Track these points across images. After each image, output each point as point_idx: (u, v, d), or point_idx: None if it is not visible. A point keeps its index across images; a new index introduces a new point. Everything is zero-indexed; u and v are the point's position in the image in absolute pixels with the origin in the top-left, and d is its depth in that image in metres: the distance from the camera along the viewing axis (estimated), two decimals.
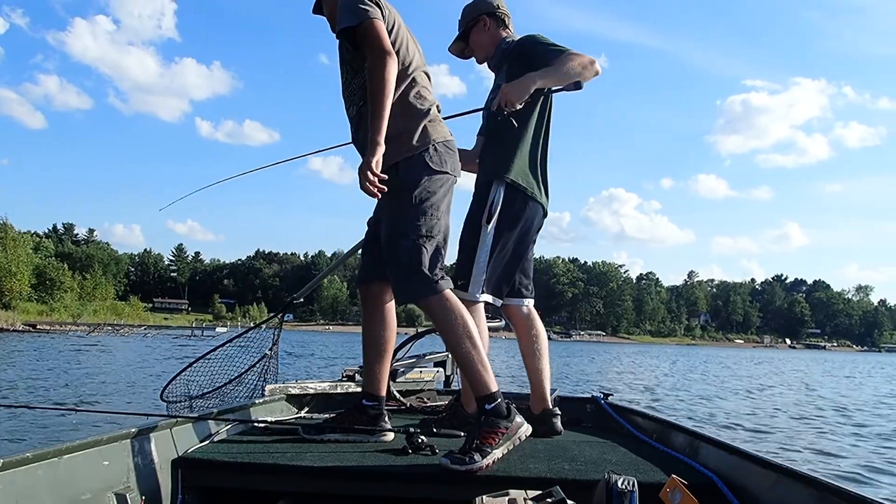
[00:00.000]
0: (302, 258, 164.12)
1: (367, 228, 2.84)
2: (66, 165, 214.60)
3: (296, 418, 3.21)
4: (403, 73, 2.54)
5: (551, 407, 3.06)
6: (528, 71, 2.87)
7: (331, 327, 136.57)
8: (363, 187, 2.36)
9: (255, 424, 2.92)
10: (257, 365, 3.54)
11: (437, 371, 3.95)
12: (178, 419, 2.51)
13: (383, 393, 2.76)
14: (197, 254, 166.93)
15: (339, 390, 3.44)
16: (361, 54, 2.48)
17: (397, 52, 2.50)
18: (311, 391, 3.50)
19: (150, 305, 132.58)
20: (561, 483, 1.92)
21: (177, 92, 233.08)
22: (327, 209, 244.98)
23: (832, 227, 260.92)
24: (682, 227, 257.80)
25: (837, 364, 47.78)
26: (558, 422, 3.03)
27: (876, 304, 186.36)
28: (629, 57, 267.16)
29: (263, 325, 3.75)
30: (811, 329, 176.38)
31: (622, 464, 2.43)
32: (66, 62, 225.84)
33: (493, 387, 2.44)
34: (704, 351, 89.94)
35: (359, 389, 3.31)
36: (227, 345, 3.65)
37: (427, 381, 3.54)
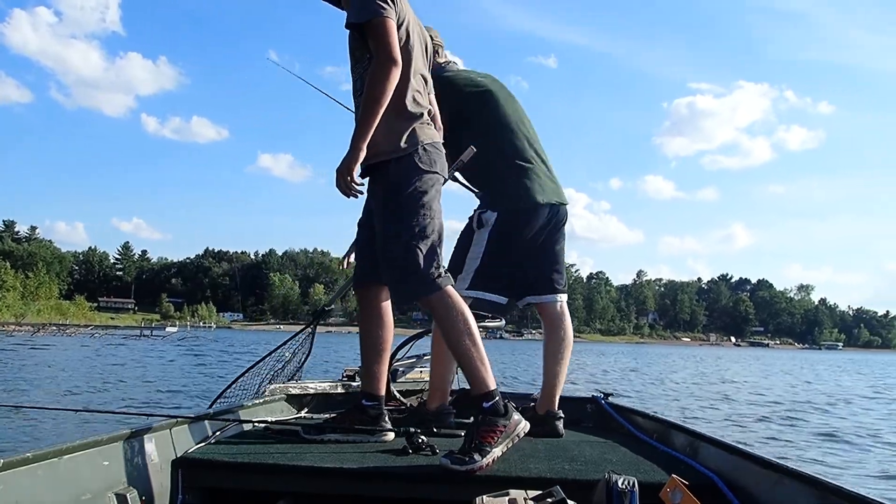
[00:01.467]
0: (252, 257, 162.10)
1: (357, 230, 2.83)
2: (4, 160, 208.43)
3: (296, 418, 3.19)
4: (404, 74, 2.49)
5: (556, 410, 3.10)
6: None
7: (282, 327, 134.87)
8: (340, 188, 2.38)
9: (255, 424, 2.91)
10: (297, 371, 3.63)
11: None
12: (178, 419, 2.50)
13: (383, 393, 2.77)
14: (144, 252, 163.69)
15: (339, 390, 3.43)
16: (366, 46, 2.46)
17: (403, 51, 2.47)
18: (312, 391, 3.50)
19: (96, 305, 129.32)
20: (561, 483, 1.92)
21: (122, 87, 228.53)
22: (278, 207, 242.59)
23: (775, 228, 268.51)
24: (631, 227, 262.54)
25: (770, 362, 49.08)
26: (560, 425, 3.06)
27: (817, 303, 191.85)
28: (578, 59, 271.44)
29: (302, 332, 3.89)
30: (755, 327, 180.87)
31: (622, 464, 2.44)
32: (5, 54, 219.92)
33: (492, 385, 2.43)
34: (653, 349, 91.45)
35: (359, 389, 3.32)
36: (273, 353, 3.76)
37: (427, 381, 3.52)
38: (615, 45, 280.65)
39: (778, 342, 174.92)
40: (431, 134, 2.58)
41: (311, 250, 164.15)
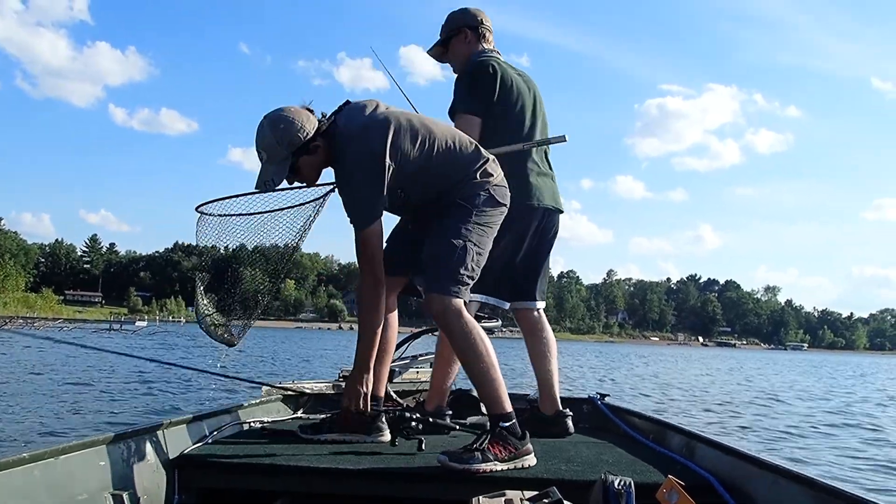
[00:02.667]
0: (223, 251, 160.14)
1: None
2: None
3: (292, 418, 3.20)
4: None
5: (561, 408, 3.11)
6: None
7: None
8: (345, 403, 2.59)
9: (252, 425, 2.91)
10: None
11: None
12: (175, 419, 2.50)
13: (382, 394, 2.77)
14: (112, 245, 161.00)
15: (335, 391, 3.43)
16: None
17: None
18: (308, 391, 3.50)
19: (62, 298, 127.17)
20: (557, 483, 1.94)
21: (90, 77, 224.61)
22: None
23: (743, 230, 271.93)
24: (602, 227, 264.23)
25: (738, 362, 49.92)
26: (570, 422, 3.07)
27: (783, 304, 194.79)
28: (550, 58, 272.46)
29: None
30: (722, 327, 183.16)
31: (619, 464, 2.46)
32: None
33: (509, 407, 2.45)
34: (622, 348, 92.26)
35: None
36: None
37: (424, 382, 3.51)
38: (588, 45, 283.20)
39: (745, 342, 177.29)
40: (501, 178, 2.67)
41: (282, 246, 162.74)
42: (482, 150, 2.67)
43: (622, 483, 1.87)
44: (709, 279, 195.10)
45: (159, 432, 2.34)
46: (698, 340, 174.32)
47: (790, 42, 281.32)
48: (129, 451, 2.15)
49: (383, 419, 2.70)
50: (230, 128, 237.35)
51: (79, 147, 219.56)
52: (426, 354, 3.39)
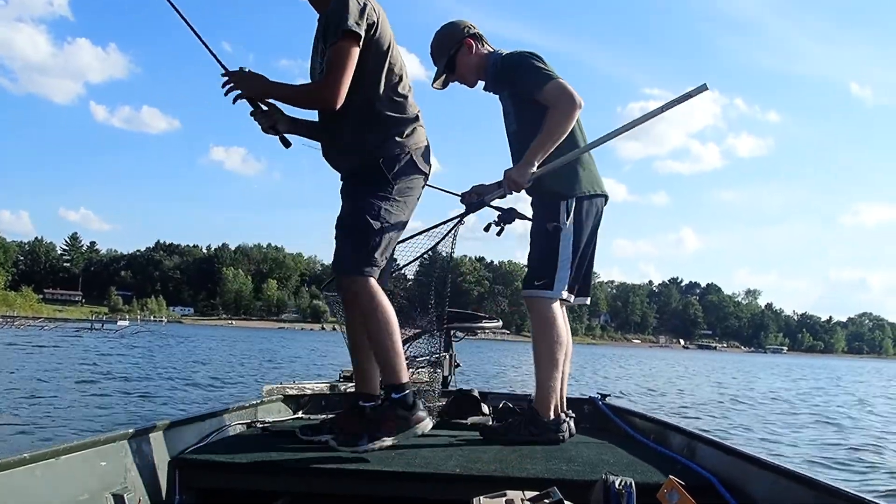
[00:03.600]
0: (204, 251, 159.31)
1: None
2: None
3: (293, 419, 3.19)
4: (394, 76, 2.57)
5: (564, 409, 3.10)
6: (519, 94, 3.02)
7: (234, 322, 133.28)
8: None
9: (253, 425, 2.91)
10: None
11: (435, 371, 3.91)
12: (176, 419, 2.50)
13: (406, 378, 2.64)
14: (93, 243, 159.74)
15: (336, 391, 3.43)
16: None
17: (386, 56, 2.53)
18: (309, 392, 3.50)
19: (41, 297, 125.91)
20: (558, 483, 1.93)
21: (71, 74, 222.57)
22: (231, 201, 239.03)
23: (724, 233, 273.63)
24: None
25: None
26: (572, 424, 3.05)
27: (763, 307, 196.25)
28: None
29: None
30: (703, 330, 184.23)
31: (619, 464, 2.47)
32: None
33: (404, 378, 2.51)
34: (603, 350, 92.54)
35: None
36: None
37: (424, 382, 3.55)
38: (570, 47, 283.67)
39: (725, 345, 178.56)
40: (422, 137, 2.65)
41: (264, 245, 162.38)
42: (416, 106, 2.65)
43: (623, 483, 1.88)
44: (690, 282, 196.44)
45: (160, 432, 2.34)
46: (680, 343, 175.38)
47: (771, 47, 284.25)
48: (130, 451, 2.15)
49: (420, 405, 2.61)
50: (213, 126, 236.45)
51: (59, 144, 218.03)
52: (426, 354, 3.39)
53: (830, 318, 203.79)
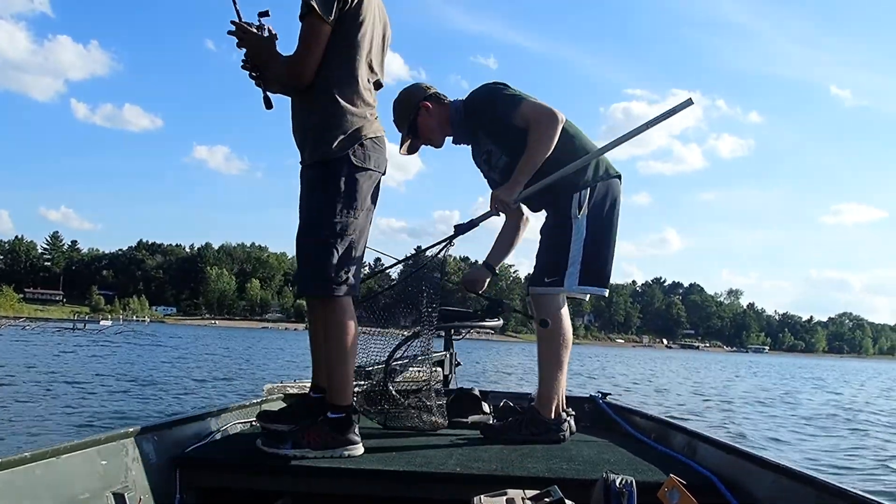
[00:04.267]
0: (188, 250, 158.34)
1: None
2: None
3: None
4: (352, 68, 2.49)
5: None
6: (500, 126, 2.98)
7: (217, 322, 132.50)
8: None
9: (254, 424, 2.89)
10: None
11: (436, 371, 3.90)
12: (177, 418, 2.50)
13: (350, 402, 2.55)
14: (74, 242, 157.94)
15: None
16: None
17: (356, 40, 2.47)
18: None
19: (22, 296, 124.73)
20: (559, 482, 1.92)
21: (51, 71, 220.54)
22: (214, 200, 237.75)
23: (706, 233, 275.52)
24: None
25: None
26: (572, 422, 3.03)
27: (745, 307, 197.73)
28: (517, 60, 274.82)
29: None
30: (686, 330, 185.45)
31: (620, 463, 2.47)
32: None
33: (348, 401, 2.49)
34: (587, 350, 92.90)
35: (357, 389, 3.26)
36: None
37: (425, 381, 3.52)
38: (555, 48, 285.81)
39: (707, 345, 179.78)
40: (375, 128, 2.56)
41: (248, 245, 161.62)
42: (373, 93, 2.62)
43: (623, 482, 1.87)
44: (673, 282, 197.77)
45: (161, 431, 2.33)
46: (663, 342, 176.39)
47: (752, 49, 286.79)
48: (131, 450, 2.14)
49: (356, 430, 2.51)
50: (196, 125, 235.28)
51: (39, 142, 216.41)
52: (426, 354, 3.39)
53: (811, 317, 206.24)
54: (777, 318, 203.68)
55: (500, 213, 2.92)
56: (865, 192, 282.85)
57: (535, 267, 3.05)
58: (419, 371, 3.31)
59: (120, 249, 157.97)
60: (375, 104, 2.61)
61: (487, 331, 3.68)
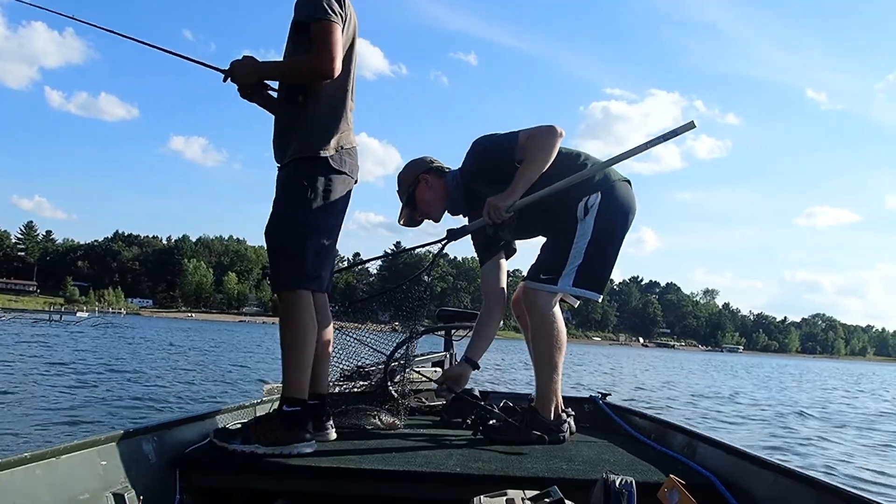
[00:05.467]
0: (165, 242, 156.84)
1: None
2: None
3: None
4: (343, 79, 2.54)
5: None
6: (501, 174, 2.91)
7: (194, 314, 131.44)
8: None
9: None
10: None
11: (435, 371, 3.88)
12: (176, 419, 2.49)
13: (304, 396, 2.53)
14: (48, 233, 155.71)
15: (336, 390, 3.40)
16: (307, 43, 2.46)
17: (346, 58, 2.53)
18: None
19: None
20: (559, 482, 1.91)
21: (25, 58, 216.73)
22: (192, 192, 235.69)
23: (682, 233, 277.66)
24: None
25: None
26: (572, 422, 3.03)
27: (720, 307, 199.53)
28: (498, 57, 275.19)
29: None
30: (662, 329, 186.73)
31: (620, 463, 2.47)
32: None
33: (303, 395, 2.49)
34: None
35: (357, 389, 3.30)
36: None
37: (425, 381, 3.54)
38: (536, 46, 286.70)
39: (683, 344, 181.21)
40: (351, 139, 2.64)
41: (226, 238, 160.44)
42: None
43: (623, 482, 1.89)
44: (650, 281, 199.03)
45: (160, 432, 2.32)
46: (639, 341, 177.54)
47: (731, 51, 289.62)
48: (130, 450, 2.14)
49: (310, 427, 2.51)
50: (172, 115, 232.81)
51: (12, 130, 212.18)
52: (426, 354, 3.41)
53: (785, 318, 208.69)
54: (752, 318, 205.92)
55: (494, 221, 2.87)
56: (839, 195, 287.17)
57: (534, 264, 3.05)
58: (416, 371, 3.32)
59: (95, 240, 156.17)
60: (353, 110, 2.66)
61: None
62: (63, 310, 73.03)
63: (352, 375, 3.30)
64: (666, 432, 2.99)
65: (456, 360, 3.78)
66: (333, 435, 2.76)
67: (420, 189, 3.13)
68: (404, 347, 3.08)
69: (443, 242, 3.06)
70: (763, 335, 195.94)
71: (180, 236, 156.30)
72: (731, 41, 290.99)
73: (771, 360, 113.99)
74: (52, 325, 43.88)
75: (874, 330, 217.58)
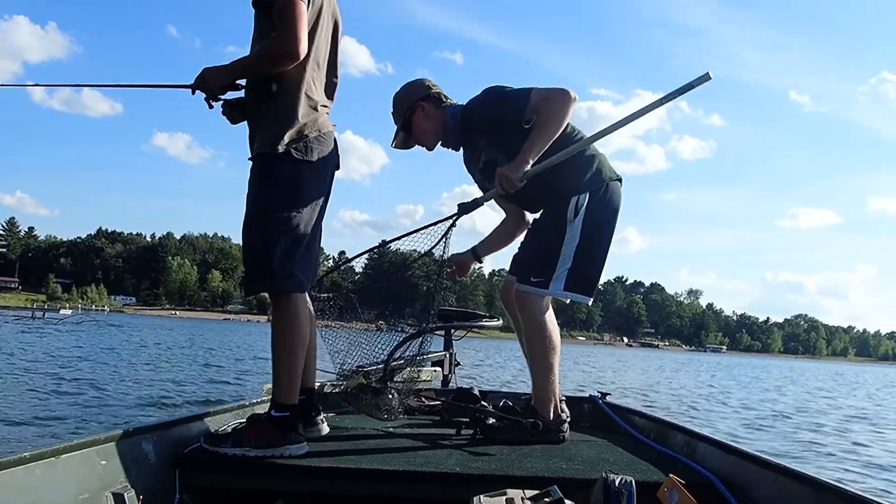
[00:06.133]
0: (149, 239, 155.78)
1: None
2: None
3: None
4: (300, 65, 2.42)
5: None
6: (508, 131, 2.86)
7: (178, 312, 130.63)
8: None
9: None
10: None
11: (435, 370, 3.88)
12: (176, 418, 2.49)
13: (296, 400, 2.49)
14: (31, 229, 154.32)
15: (336, 390, 3.38)
16: (271, 24, 2.37)
17: (312, 36, 2.44)
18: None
19: None
20: (558, 482, 1.91)
21: (7, 52, 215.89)
22: (176, 189, 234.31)
23: (667, 234, 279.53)
24: None
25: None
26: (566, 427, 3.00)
27: (704, 307, 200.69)
28: (484, 56, 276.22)
29: None
30: (646, 329, 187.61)
31: (620, 463, 2.47)
32: None
33: (293, 400, 2.45)
34: None
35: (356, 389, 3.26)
36: None
37: (424, 381, 3.52)
38: (521, 45, 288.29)
39: (667, 344, 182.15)
40: (321, 124, 2.52)
41: (211, 235, 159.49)
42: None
43: (623, 482, 1.89)
44: (635, 281, 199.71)
45: (160, 431, 2.32)
46: (623, 341, 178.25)
47: (716, 52, 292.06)
48: (130, 450, 2.13)
49: (301, 430, 2.47)
50: (157, 112, 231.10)
51: None
52: (426, 354, 3.40)
53: (768, 318, 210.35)
54: (735, 318, 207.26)
55: (506, 191, 2.79)
56: (821, 196, 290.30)
57: (521, 262, 3.04)
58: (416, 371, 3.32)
59: (78, 237, 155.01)
60: (324, 100, 2.58)
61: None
62: (46, 307, 72.21)
63: (351, 374, 3.29)
64: (666, 432, 2.99)
65: (456, 361, 3.79)
66: (325, 429, 2.75)
67: (417, 116, 3.04)
68: (411, 343, 3.03)
69: (454, 218, 2.95)
70: (746, 335, 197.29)
71: (164, 234, 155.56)
72: (715, 43, 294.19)
73: (753, 360, 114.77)
74: (36, 323, 43.44)
75: (855, 331, 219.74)
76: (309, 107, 2.48)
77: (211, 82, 2.42)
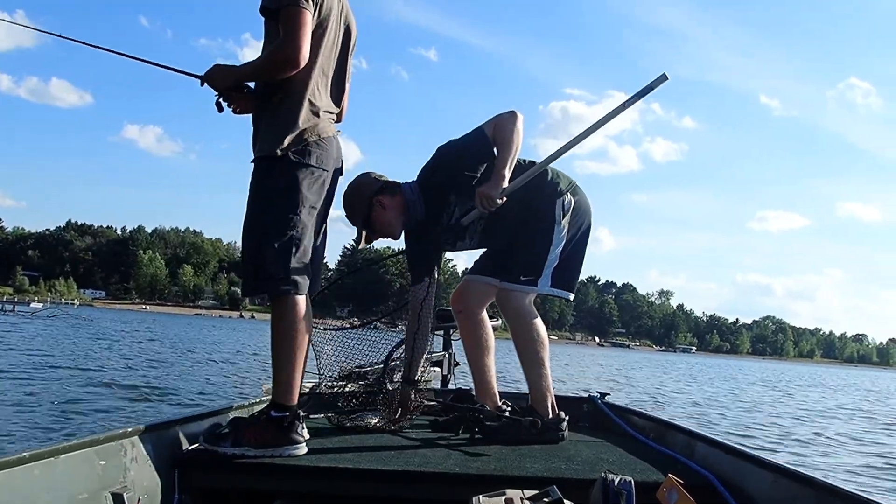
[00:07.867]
0: (119, 232, 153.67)
1: None
2: None
3: None
4: (305, 72, 2.46)
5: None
6: (469, 174, 2.96)
7: (148, 307, 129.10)
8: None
9: None
10: None
11: (434, 370, 3.87)
12: (175, 418, 2.48)
13: (294, 402, 2.49)
14: None
15: (335, 390, 3.37)
16: (278, 32, 2.40)
17: (318, 43, 2.48)
18: (307, 390, 3.38)
19: None
20: (558, 482, 1.92)
21: None
22: (147, 182, 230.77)
23: (639, 235, 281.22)
24: None
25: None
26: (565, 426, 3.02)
27: (675, 307, 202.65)
28: (459, 53, 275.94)
29: None
30: (618, 329, 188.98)
31: (619, 463, 2.49)
32: None
33: (293, 401, 2.46)
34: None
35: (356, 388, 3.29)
36: None
37: (424, 381, 3.50)
38: (496, 43, 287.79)
39: (638, 344, 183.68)
40: (322, 129, 2.55)
41: (182, 229, 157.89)
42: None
43: (622, 482, 1.91)
44: (607, 281, 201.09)
45: (159, 431, 2.31)
46: (595, 340, 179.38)
47: (688, 55, 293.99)
48: (129, 450, 2.12)
49: (299, 430, 2.46)
50: (127, 103, 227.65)
51: None
52: (426, 354, 3.41)
53: (737, 320, 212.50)
54: (705, 319, 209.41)
55: (487, 209, 2.88)
56: (791, 199, 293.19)
57: (504, 262, 3.06)
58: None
59: (47, 229, 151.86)
60: (328, 105, 2.60)
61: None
62: (16, 300, 71.02)
63: (350, 375, 3.30)
64: (665, 432, 3.02)
65: (455, 361, 3.80)
66: (305, 434, 2.71)
67: (376, 212, 3.03)
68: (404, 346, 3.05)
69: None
70: (716, 336, 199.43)
71: (135, 227, 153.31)
72: (688, 45, 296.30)
73: (723, 360, 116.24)
74: (6, 316, 42.70)
75: (822, 333, 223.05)
76: (311, 112, 2.51)
77: (217, 80, 2.49)
